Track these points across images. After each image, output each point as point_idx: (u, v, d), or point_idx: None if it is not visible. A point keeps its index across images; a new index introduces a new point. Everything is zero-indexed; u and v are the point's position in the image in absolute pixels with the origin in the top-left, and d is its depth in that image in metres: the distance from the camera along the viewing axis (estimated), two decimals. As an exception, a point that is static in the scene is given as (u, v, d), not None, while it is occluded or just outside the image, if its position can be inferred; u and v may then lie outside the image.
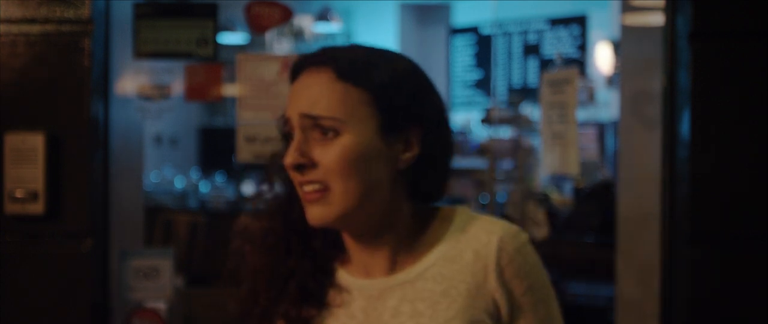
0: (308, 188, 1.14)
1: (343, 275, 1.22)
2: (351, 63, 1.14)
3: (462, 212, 1.21)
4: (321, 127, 1.12)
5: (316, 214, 1.14)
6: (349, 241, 1.21)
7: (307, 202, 1.15)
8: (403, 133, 1.16)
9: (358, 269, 1.21)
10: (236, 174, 7.24)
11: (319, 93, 1.13)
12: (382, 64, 1.16)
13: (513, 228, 1.18)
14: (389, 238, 1.18)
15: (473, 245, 1.16)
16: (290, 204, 1.21)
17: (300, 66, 1.18)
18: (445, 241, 1.18)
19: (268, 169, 1.27)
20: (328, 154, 1.12)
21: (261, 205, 1.26)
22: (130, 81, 2.43)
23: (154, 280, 2.38)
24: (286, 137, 1.18)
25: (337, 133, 1.12)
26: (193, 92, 2.53)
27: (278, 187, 1.24)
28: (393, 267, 1.19)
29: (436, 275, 1.16)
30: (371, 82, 1.14)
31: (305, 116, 1.14)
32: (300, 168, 1.13)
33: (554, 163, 2.78)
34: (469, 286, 1.14)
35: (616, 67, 6.37)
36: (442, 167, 1.21)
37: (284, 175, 1.20)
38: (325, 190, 1.13)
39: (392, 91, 1.15)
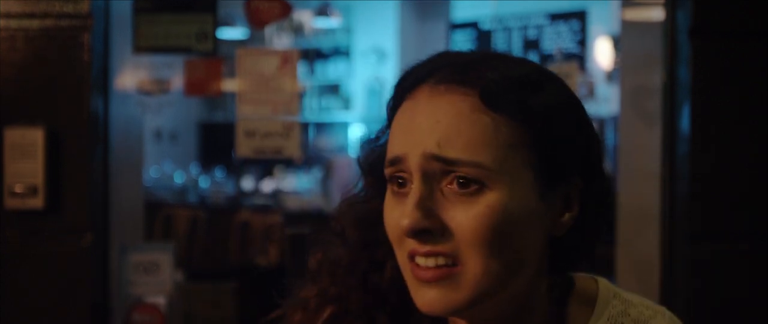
0: (428, 262, 0.80)
1: None
2: (503, 84, 0.81)
3: (605, 289, 0.92)
4: (458, 178, 0.79)
5: (433, 299, 0.81)
6: None
7: (418, 281, 0.81)
8: (565, 187, 0.83)
9: None
10: (236, 169, 7.25)
11: (458, 126, 0.79)
12: (536, 84, 0.83)
13: (669, 315, 0.94)
14: None
15: None
16: (366, 273, 0.91)
17: (418, 79, 0.84)
18: None
19: (340, 218, 0.93)
20: (468, 218, 0.79)
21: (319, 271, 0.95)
22: (130, 76, 2.42)
23: (154, 275, 2.38)
24: (384, 181, 0.85)
25: (481, 188, 0.79)
26: (193, 87, 2.53)
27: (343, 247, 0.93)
28: None
29: None
30: (531, 115, 0.81)
31: (436, 159, 0.79)
32: (422, 234, 0.80)
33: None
34: None
35: (616, 63, 6.37)
36: (595, 231, 0.89)
37: (367, 230, 0.90)
38: (453, 266, 0.80)
39: (557, 128, 0.82)
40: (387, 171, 0.83)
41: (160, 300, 2.39)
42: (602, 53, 6.84)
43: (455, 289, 0.80)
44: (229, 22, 5.78)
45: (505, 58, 0.85)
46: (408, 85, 0.84)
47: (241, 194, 6.87)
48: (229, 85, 2.63)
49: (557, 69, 2.91)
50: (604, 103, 6.61)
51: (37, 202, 2.12)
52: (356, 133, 7.67)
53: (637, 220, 2.20)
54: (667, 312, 0.95)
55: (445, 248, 0.80)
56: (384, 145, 0.87)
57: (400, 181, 0.82)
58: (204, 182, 7.04)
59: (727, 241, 1.98)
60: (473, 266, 0.80)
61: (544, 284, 0.88)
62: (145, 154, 2.72)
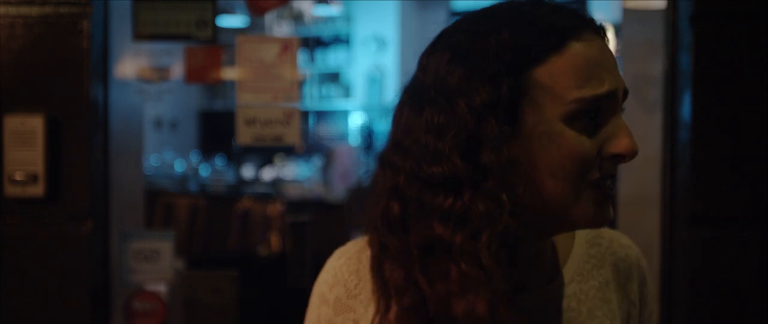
0: (611, 184, 0.95)
1: None
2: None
3: None
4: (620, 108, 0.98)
5: (609, 213, 0.96)
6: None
7: (602, 201, 0.95)
8: None
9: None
10: (236, 157, 7.25)
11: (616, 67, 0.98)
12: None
13: (637, 247, 1.13)
14: (550, 245, 1.05)
15: (610, 260, 1.07)
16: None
17: (580, 26, 0.97)
18: (576, 256, 1.06)
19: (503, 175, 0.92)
20: (630, 141, 0.96)
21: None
22: (130, 63, 2.42)
23: (154, 263, 2.38)
24: (589, 115, 0.94)
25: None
26: (193, 74, 2.52)
27: None
28: (541, 280, 1.02)
29: (579, 292, 1.04)
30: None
31: (626, 92, 0.99)
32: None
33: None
34: (612, 307, 1.05)
35: (617, 50, 6.36)
36: None
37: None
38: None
39: None
40: (583, 105, 0.93)
41: (161, 288, 2.40)
42: (603, 41, 6.81)
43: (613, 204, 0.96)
44: (228, 11, 5.77)
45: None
46: (572, 27, 0.95)
47: (242, 182, 6.87)
48: (229, 73, 2.62)
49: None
50: (604, 91, 6.59)
51: (38, 190, 2.12)
52: (356, 121, 7.67)
53: (638, 206, 2.20)
54: (642, 258, 1.12)
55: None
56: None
57: (593, 113, 0.93)
58: (204, 170, 7.04)
59: (727, 227, 1.98)
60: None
61: None
62: (146, 143, 2.72)
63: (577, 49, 0.94)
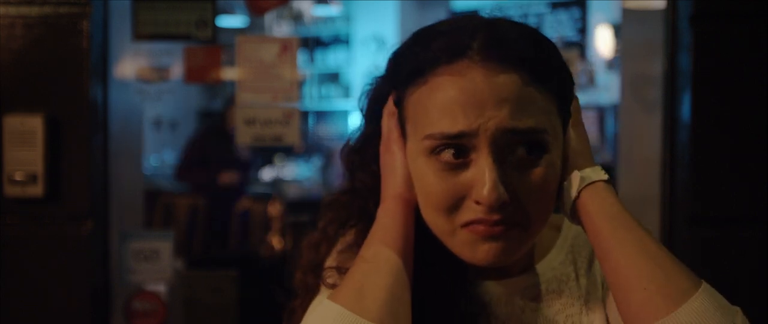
0: (496, 227, 0.89)
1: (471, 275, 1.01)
2: (540, 60, 0.91)
3: (566, 221, 1.07)
4: (526, 145, 0.88)
5: (491, 254, 0.90)
6: None
7: (476, 240, 0.90)
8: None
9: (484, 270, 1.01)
10: (236, 157, 7.23)
11: (522, 100, 0.87)
12: (562, 60, 0.95)
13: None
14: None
15: (587, 250, 1.06)
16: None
17: (452, 53, 0.89)
18: (555, 249, 1.06)
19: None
20: (531, 183, 0.89)
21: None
22: (129, 63, 2.42)
23: (154, 263, 2.38)
24: (454, 154, 0.89)
25: (542, 152, 0.89)
26: (193, 74, 2.53)
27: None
28: (520, 270, 1.03)
29: (552, 279, 1.04)
30: (556, 81, 0.92)
31: (511, 132, 0.87)
32: (500, 206, 0.87)
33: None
34: (573, 290, 1.04)
35: (617, 50, 6.36)
36: None
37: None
38: (511, 228, 0.89)
39: (570, 89, 0.96)
40: (437, 142, 0.89)
41: (161, 288, 2.40)
42: (603, 41, 6.83)
43: (513, 245, 0.90)
44: (228, 11, 5.76)
45: (518, 29, 0.93)
46: (441, 59, 0.89)
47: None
48: (229, 73, 2.62)
49: (558, 57, 2.90)
50: (604, 91, 6.60)
51: (37, 190, 2.12)
52: (356, 121, 7.66)
53: (638, 207, 2.20)
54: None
55: (513, 213, 0.88)
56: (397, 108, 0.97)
57: (454, 151, 0.88)
58: (204, 170, 7.02)
59: (727, 227, 1.98)
60: (530, 226, 0.90)
61: None
62: (145, 143, 2.72)
63: (437, 83, 0.89)
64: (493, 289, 1.01)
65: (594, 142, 6.48)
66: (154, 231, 3.44)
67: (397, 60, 0.97)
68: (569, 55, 2.81)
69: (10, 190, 2.13)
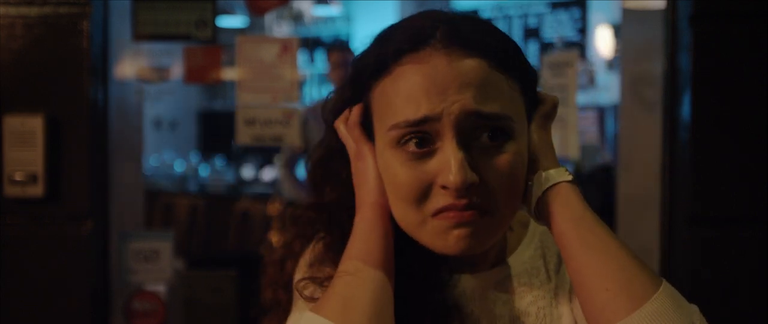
0: (466, 213, 0.88)
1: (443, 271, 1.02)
2: (503, 47, 0.92)
3: (531, 220, 1.06)
4: (490, 130, 0.88)
5: (462, 242, 0.89)
6: None
7: (447, 228, 0.89)
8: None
9: (456, 264, 1.03)
10: (236, 157, 7.24)
11: (486, 85, 0.88)
12: (518, 47, 0.96)
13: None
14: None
15: (553, 249, 1.07)
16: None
17: (414, 42, 0.90)
18: (522, 245, 1.06)
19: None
20: (498, 168, 0.88)
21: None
22: (129, 64, 2.42)
23: (154, 263, 2.38)
24: (418, 143, 0.89)
25: (507, 139, 0.89)
26: (193, 74, 2.53)
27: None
28: (491, 264, 1.04)
29: (522, 273, 1.04)
30: (521, 70, 0.94)
31: (475, 115, 0.87)
32: (466, 189, 0.87)
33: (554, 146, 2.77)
34: (550, 292, 1.04)
35: (617, 51, 6.36)
36: None
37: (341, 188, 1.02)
38: (480, 214, 0.89)
39: (532, 80, 0.97)
40: (402, 131, 0.89)
41: (160, 287, 2.40)
42: (603, 41, 6.83)
43: (481, 233, 0.89)
44: (228, 10, 5.76)
45: (479, 21, 0.95)
46: (404, 48, 0.90)
47: (241, 182, 6.87)
48: (229, 73, 2.63)
49: (558, 57, 2.90)
50: (604, 91, 6.60)
51: (37, 190, 2.12)
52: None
53: (638, 207, 2.20)
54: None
55: (481, 199, 0.88)
56: (355, 105, 0.97)
57: (418, 140, 0.88)
58: (204, 170, 7.03)
59: (727, 227, 1.98)
60: (499, 212, 0.89)
61: None
62: (145, 143, 2.72)
63: (400, 72, 0.90)
64: (466, 283, 1.02)
65: (594, 142, 6.48)
66: (154, 231, 3.44)
67: (360, 61, 0.97)
68: (569, 56, 2.81)
69: (10, 190, 2.13)
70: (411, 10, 7.35)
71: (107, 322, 2.32)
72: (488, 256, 1.03)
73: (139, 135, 2.53)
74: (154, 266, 2.38)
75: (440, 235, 0.90)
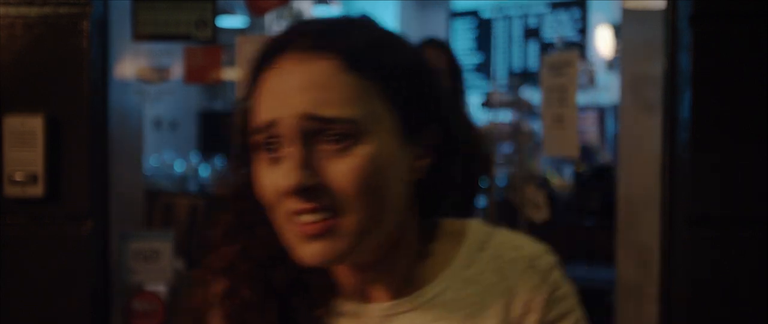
0: (310, 218, 0.87)
1: (338, 303, 0.99)
2: (358, 46, 0.89)
3: (475, 228, 1.02)
4: (334, 134, 0.86)
5: (318, 251, 0.88)
6: (341, 268, 0.98)
7: (302, 236, 0.88)
8: (419, 136, 0.93)
9: (353, 294, 0.99)
10: (236, 158, 7.23)
11: (330, 87, 0.86)
12: (391, 46, 0.93)
13: (541, 246, 1.01)
14: (393, 262, 0.97)
15: (495, 264, 0.98)
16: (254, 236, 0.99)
17: (278, 49, 0.90)
18: (458, 261, 0.99)
19: (235, 199, 1.00)
20: (345, 171, 0.86)
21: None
22: (129, 64, 2.42)
23: (154, 263, 2.38)
24: (257, 148, 0.91)
25: (354, 142, 0.86)
26: (193, 74, 2.52)
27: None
28: (397, 292, 0.97)
29: (452, 300, 0.96)
30: (385, 71, 0.90)
31: (313, 118, 0.86)
32: (306, 192, 0.86)
33: (554, 146, 2.78)
34: (498, 311, 0.96)
35: (617, 51, 6.36)
36: (450, 175, 0.99)
37: (247, 201, 0.96)
38: (332, 218, 0.87)
39: (408, 81, 0.91)
40: (256, 138, 0.89)
41: (161, 288, 2.40)
42: (603, 41, 6.84)
43: (338, 240, 0.87)
44: (228, 10, 5.76)
45: (360, 23, 0.94)
46: (269, 56, 0.91)
47: (242, 183, 6.86)
48: (229, 73, 2.62)
49: (558, 57, 2.90)
50: (604, 91, 6.61)
51: (37, 190, 2.12)
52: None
53: (637, 207, 2.20)
54: (543, 256, 1.01)
55: (327, 203, 0.86)
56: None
57: (270, 146, 0.88)
58: (204, 171, 7.03)
59: (727, 227, 1.98)
60: (352, 215, 0.87)
61: (414, 225, 0.98)
62: (145, 143, 2.72)
63: (264, 78, 0.90)
64: (354, 310, 0.98)
65: (594, 142, 6.48)
66: (154, 231, 3.44)
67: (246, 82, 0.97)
68: (569, 56, 2.81)
69: (10, 191, 2.13)
70: (411, 11, 7.35)
71: (107, 322, 2.32)
72: (381, 289, 0.98)
73: (139, 135, 2.53)
74: (154, 266, 2.38)
75: (297, 239, 0.89)
